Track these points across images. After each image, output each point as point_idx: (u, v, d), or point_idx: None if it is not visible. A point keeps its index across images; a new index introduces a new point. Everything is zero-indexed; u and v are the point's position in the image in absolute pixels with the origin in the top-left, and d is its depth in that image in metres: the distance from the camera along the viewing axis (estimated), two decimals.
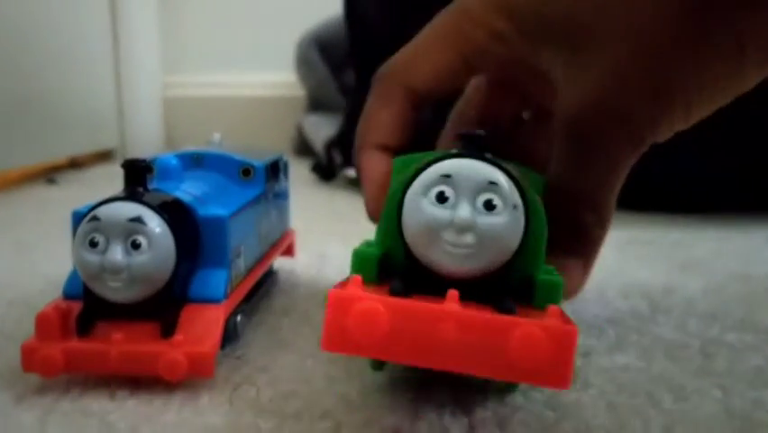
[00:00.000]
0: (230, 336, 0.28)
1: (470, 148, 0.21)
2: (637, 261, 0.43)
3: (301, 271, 0.41)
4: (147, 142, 1.09)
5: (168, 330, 0.25)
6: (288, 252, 0.39)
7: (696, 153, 0.56)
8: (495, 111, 0.31)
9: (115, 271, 0.24)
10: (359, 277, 0.20)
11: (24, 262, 0.44)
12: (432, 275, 0.21)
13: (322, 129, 0.89)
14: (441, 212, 0.20)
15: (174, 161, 0.29)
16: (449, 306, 0.20)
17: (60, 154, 0.90)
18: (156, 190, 0.26)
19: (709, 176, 0.58)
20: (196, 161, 0.32)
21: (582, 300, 0.34)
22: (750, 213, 0.57)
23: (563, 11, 0.25)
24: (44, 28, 0.84)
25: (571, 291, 0.27)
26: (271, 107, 1.15)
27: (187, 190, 0.28)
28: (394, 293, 0.20)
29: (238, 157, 0.33)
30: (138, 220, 0.24)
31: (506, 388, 0.24)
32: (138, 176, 0.26)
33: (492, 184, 0.20)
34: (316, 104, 1.02)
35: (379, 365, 0.24)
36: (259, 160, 0.33)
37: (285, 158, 0.38)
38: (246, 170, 0.33)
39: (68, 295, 0.26)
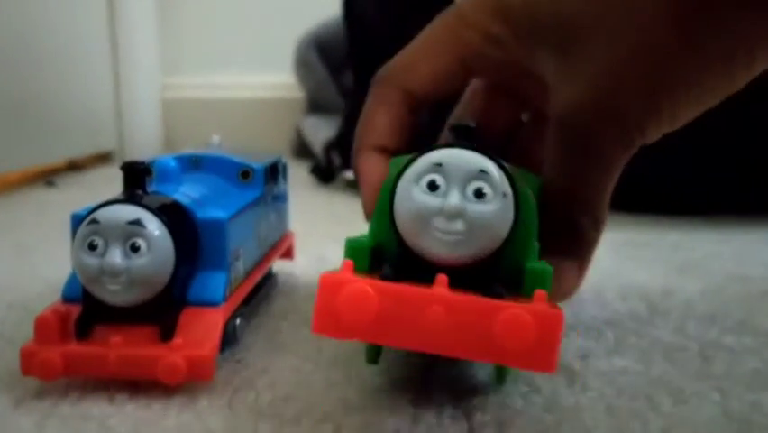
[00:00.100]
0: (229, 339, 0.28)
1: (462, 138, 0.22)
2: (635, 263, 0.44)
3: (300, 273, 0.41)
4: (146, 144, 1.09)
5: (167, 333, 0.25)
6: (288, 254, 0.39)
7: (693, 155, 0.56)
8: (493, 114, 0.31)
9: (114, 274, 0.24)
10: (350, 262, 0.21)
11: (23, 264, 0.44)
12: (423, 263, 0.21)
13: (321, 131, 0.89)
14: (432, 199, 0.21)
15: (173, 164, 0.29)
16: (437, 290, 0.20)
17: (59, 156, 0.90)
18: (155, 193, 0.26)
19: (707, 178, 0.58)
20: (194, 164, 0.32)
21: (580, 302, 0.34)
22: (748, 215, 0.57)
23: (556, 15, 0.25)
24: (42, 30, 0.83)
25: (567, 293, 0.28)
26: (270, 109, 1.15)
27: (185, 193, 0.28)
28: (384, 278, 0.21)
29: (237, 159, 0.33)
30: (137, 223, 0.24)
31: (495, 381, 0.24)
32: (137, 178, 0.26)
33: (482, 173, 0.21)
34: (315, 105, 1.02)
35: (374, 358, 0.24)
36: (258, 162, 0.33)
37: (284, 160, 0.38)
38: (245, 173, 0.33)
39: (67, 298, 0.26)
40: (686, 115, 0.25)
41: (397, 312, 0.20)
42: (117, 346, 0.24)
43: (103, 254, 0.24)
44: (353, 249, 0.22)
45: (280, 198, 0.38)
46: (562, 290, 0.27)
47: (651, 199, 0.58)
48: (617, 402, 0.24)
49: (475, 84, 0.31)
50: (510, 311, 0.19)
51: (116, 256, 0.24)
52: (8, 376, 0.26)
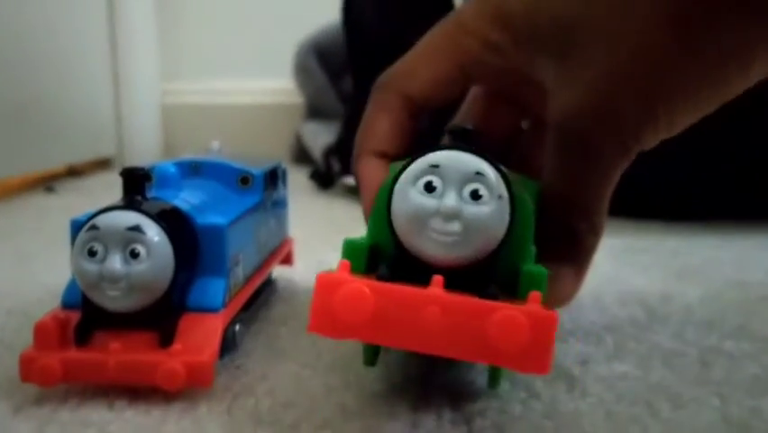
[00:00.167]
0: (228, 345, 0.28)
1: (459, 141, 0.22)
2: (634, 268, 0.44)
3: (300, 279, 0.41)
4: (145, 150, 1.09)
5: (166, 339, 0.25)
6: (287, 260, 0.39)
7: (692, 161, 0.56)
8: (493, 120, 0.31)
9: (114, 279, 0.24)
10: (347, 262, 0.21)
11: (23, 270, 0.44)
12: (420, 264, 0.21)
13: (320, 136, 0.89)
14: (428, 201, 0.21)
15: (172, 170, 0.29)
16: (433, 290, 0.20)
17: (59, 162, 0.90)
18: (154, 199, 0.27)
19: (706, 183, 0.58)
20: (194, 170, 0.32)
21: (580, 308, 0.34)
22: (746, 220, 0.57)
23: (555, 20, 0.25)
24: (42, 35, 0.84)
25: (565, 298, 0.28)
26: (270, 115, 1.15)
27: (185, 199, 0.28)
28: (380, 279, 0.21)
29: (236, 165, 0.33)
30: (137, 229, 0.24)
31: (488, 385, 0.24)
32: (136, 184, 0.26)
33: (479, 175, 0.21)
34: (315, 111, 1.02)
35: (371, 360, 0.24)
36: (257, 168, 0.33)
37: (283, 166, 0.38)
38: (244, 179, 0.33)
39: (66, 304, 0.26)
40: (683, 120, 0.25)
41: (392, 312, 0.20)
42: (116, 352, 0.24)
43: (102, 260, 0.24)
44: (351, 249, 0.22)
45: (280, 204, 0.38)
46: (559, 296, 0.27)
47: (650, 205, 0.58)
48: (616, 408, 0.24)
49: (475, 91, 0.32)
50: (504, 312, 0.20)
51: (116, 262, 0.24)
52: (7, 382, 0.26)
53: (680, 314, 0.34)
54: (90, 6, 0.99)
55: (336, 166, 0.79)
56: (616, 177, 0.26)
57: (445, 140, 0.31)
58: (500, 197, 0.21)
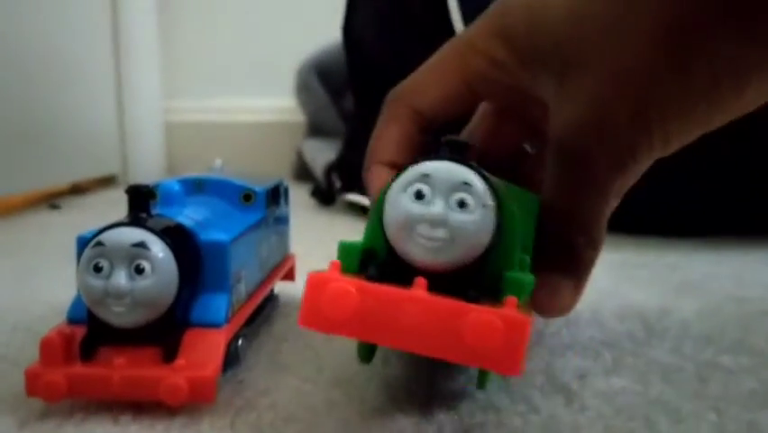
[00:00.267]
0: (231, 360, 0.29)
1: (451, 152, 0.23)
2: (633, 283, 0.44)
3: (301, 295, 0.41)
4: (149, 168, 1.10)
5: (169, 355, 0.25)
6: (289, 276, 0.40)
7: (690, 177, 0.56)
8: (500, 136, 0.32)
9: (119, 295, 0.24)
10: (337, 262, 0.23)
11: (27, 287, 0.44)
12: (408, 267, 0.23)
13: (321, 154, 0.90)
14: (417, 207, 0.22)
15: (176, 187, 0.30)
16: (414, 291, 0.22)
17: (62, 180, 0.91)
18: (159, 216, 0.27)
19: (703, 199, 0.58)
20: (197, 187, 0.33)
21: (578, 322, 0.35)
22: (744, 236, 0.58)
23: (555, 41, 0.26)
24: (46, 54, 0.85)
25: (563, 309, 0.28)
26: (272, 132, 1.16)
27: (189, 215, 0.29)
28: (369, 279, 0.22)
29: (239, 182, 0.33)
30: (141, 245, 0.25)
31: (477, 385, 0.25)
32: (141, 201, 0.26)
33: (466, 184, 0.22)
34: (316, 129, 1.03)
35: (367, 357, 0.25)
36: (259, 185, 0.34)
37: (285, 183, 0.39)
38: (247, 196, 0.33)
39: (72, 320, 0.27)
40: (678, 139, 0.25)
41: (375, 310, 0.21)
42: (121, 368, 0.25)
43: (108, 276, 0.24)
44: (345, 250, 0.24)
45: (282, 221, 0.38)
46: (558, 306, 0.28)
47: (648, 221, 0.59)
48: (614, 422, 0.24)
49: (484, 107, 0.33)
50: (479, 315, 0.21)
51: (121, 278, 0.24)
52: (13, 398, 0.26)
53: (678, 329, 0.34)
54: (94, 25, 1.00)
55: (337, 183, 0.79)
56: (612, 193, 0.27)
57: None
58: (485, 206, 0.22)
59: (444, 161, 0.22)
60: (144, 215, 0.26)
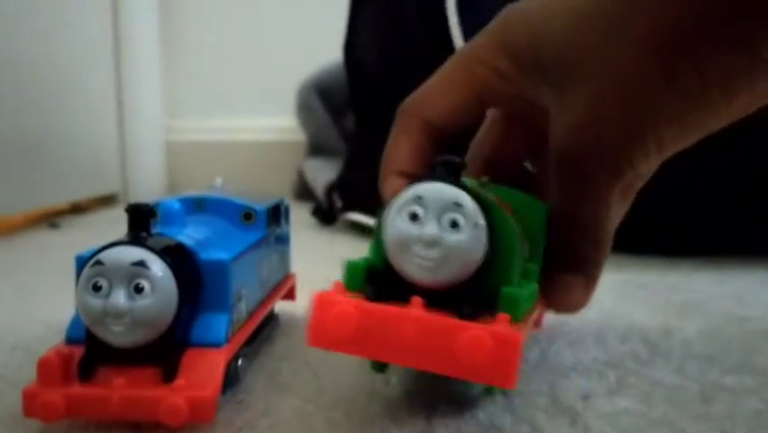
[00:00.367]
0: (231, 380, 0.28)
1: (444, 173, 0.24)
2: (635, 303, 0.44)
3: (302, 314, 0.41)
4: (149, 187, 1.10)
5: (169, 375, 0.25)
6: (289, 295, 0.40)
7: (692, 197, 0.56)
8: (509, 142, 0.33)
9: (118, 315, 0.24)
10: (339, 283, 0.24)
11: (26, 307, 0.44)
12: (406, 284, 0.24)
13: (322, 173, 0.90)
14: (412, 228, 0.23)
15: (177, 206, 0.30)
16: (410, 310, 0.23)
17: (62, 199, 0.91)
18: (159, 235, 0.27)
19: (705, 219, 0.58)
20: (198, 206, 0.33)
21: (581, 343, 0.34)
22: (745, 255, 0.57)
23: (555, 51, 0.27)
24: (47, 73, 0.85)
25: (576, 304, 0.30)
26: (272, 152, 1.16)
27: (189, 234, 0.29)
28: (368, 298, 0.24)
29: (239, 201, 0.33)
30: (141, 264, 0.25)
31: (484, 391, 0.27)
32: (141, 220, 0.26)
33: (457, 205, 0.23)
34: (317, 148, 1.03)
35: (380, 367, 0.26)
36: (260, 204, 0.34)
37: (286, 202, 0.39)
38: (248, 215, 0.33)
39: (70, 339, 0.26)
40: (673, 144, 0.26)
41: (375, 329, 0.23)
42: (120, 388, 0.24)
43: (107, 296, 0.24)
44: (350, 269, 0.25)
45: (282, 240, 0.38)
46: (570, 302, 0.30)
47: (650, 241, 0.58)
48: None
49: (493, 114, 0.33)
50: (471, 332, 0.22)
51: (120, 297, 0.24)
52: (10, 418, 0.26)
53: (681, 349, 0.34)
54: (95, 44, 1.01)
55: (338, 202, 0.79)
56: (613, 198, 0.28)
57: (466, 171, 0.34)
58: (477, 225, 0.23)
59: (437, 183, 0.24)
60: (144, 234, 0.26)
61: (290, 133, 1.13)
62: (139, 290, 0.24)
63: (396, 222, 0.24)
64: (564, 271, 0.29)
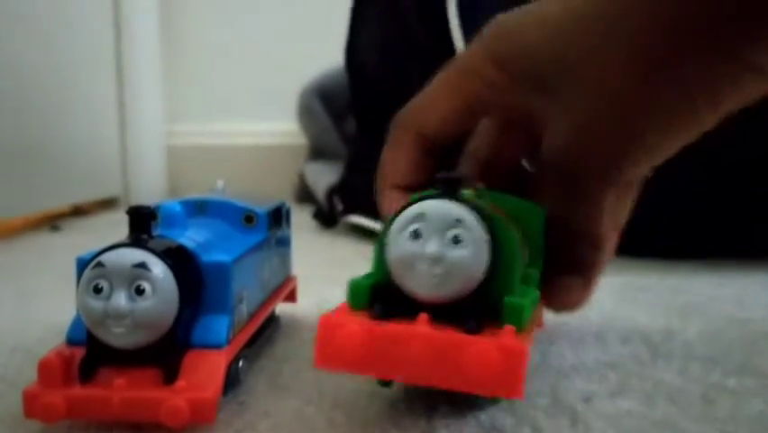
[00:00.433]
0: (232, 381, 0.28)
1: (444, 189, 0.24)
2: (636, 306, 0.44)
3: (302, 316, 0.41)
4: (151, 190, 1.10)
5: (170, 376, 0.25)
6: (290, 297, 0.40)
7: (692, 200, 0.56)
8: (505, 148, 0.33)
9: (119, 316, 0.24)
10: (344, 304, 0.25)
11: (27, 309, 0.44)
12: (411, 300, 0.24)
13: (323, 177, 0.90)
14: (415, 246, 0.23)
15: (178, 208, 0.30)
16: (416, 327, 0.23)
17: (64, 202, 0.91)
18: (160, 237, 0.27)
19: (706, 222, 0.58)
20: (199, 208, 0.33)
21: (583, 345, 0.34)
22: (747, 258, 0.57)
23: (542, 65, 0.28)
24: (48, 76, 0.85)
25: (573, 304, 0.30)
26: (273, 155, 1.17)
27: (190, 237, 0.29)
28: (374, 317, 0.24)
29: (241, 204, 0.33)
30: (142, 266, 0.25)
31: (491, 399, 0.27)
32: (143, 223, 0.26)
33: (458, 221, 0.23)
34: (318, 152, 1.03)
35: (386, 383, 0.26)
36: (261, 207, 0.34)
37: (287, 205, 0.39)
38: (249, 217, 0.33)
39: (71, 341, 0.26)
40: (662, 150, 0.27)
41: (380, 348, 0.23)
42: (120, 389, 0.24)
43: (108, 297, 0.24)
44: (354, 288, 0.25)
45: (283, 243, 0.38)
46: (568, 302, 0.30)
47: (650, 244, 0.58)
48: None
49: (486, 121, 0.33)
50: (478, 346, 0.22)
51: (121, 299, 0.24)
52: (11, 419, 0.26)
53: (682, 351, 0.34)
54: (96, 47, 1.01)
55: (339, 206, 0.79)
56: (604, 202, 0.28)
57: (463, 167, 0.34)
58: (479, 239, 0.23)
59: (438, 200, 0.24)
60: (145, 236, 0.26)
61: (291, 137, 1.13)
62: (140, 291, 0.24)
63: (398, 241, 0.24)
64: (563, 273, 0.30)
